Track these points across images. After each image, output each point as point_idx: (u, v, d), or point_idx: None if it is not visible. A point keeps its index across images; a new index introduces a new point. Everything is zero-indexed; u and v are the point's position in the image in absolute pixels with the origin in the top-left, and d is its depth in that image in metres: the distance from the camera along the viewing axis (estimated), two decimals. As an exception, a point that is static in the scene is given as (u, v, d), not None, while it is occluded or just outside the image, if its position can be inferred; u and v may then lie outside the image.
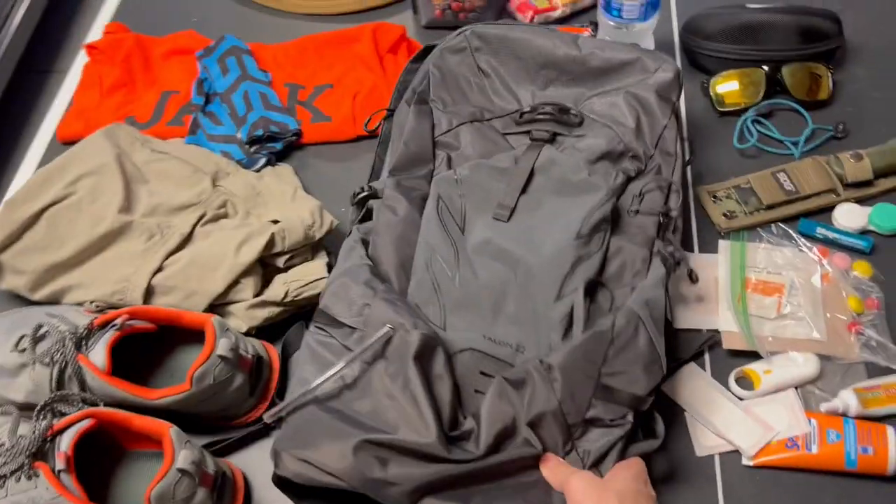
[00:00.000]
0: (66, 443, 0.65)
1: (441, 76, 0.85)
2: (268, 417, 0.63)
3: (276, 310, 0.78)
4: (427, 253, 0.71)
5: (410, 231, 0.73)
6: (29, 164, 0.97)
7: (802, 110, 0.90)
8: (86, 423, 0.66)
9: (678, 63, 0.98)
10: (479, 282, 0.69)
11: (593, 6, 1.03)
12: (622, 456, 0.63)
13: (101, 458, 0.70)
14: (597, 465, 0.61)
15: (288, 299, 0.77)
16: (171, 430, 0.65)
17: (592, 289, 0.68)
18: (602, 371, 0.62)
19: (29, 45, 1.07)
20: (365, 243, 0.73)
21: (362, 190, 0.76)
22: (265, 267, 0.79)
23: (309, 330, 0.69)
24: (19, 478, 0.65)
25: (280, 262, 0.79)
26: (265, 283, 0.79)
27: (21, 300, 0.81)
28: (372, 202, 0.76)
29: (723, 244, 0.82)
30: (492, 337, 0.67)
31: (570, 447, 0.61)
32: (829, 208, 0.83)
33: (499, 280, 0.69)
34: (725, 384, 0.73)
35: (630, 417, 0.62)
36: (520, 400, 0.61)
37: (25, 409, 0.71)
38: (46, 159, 0.94)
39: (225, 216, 0.83)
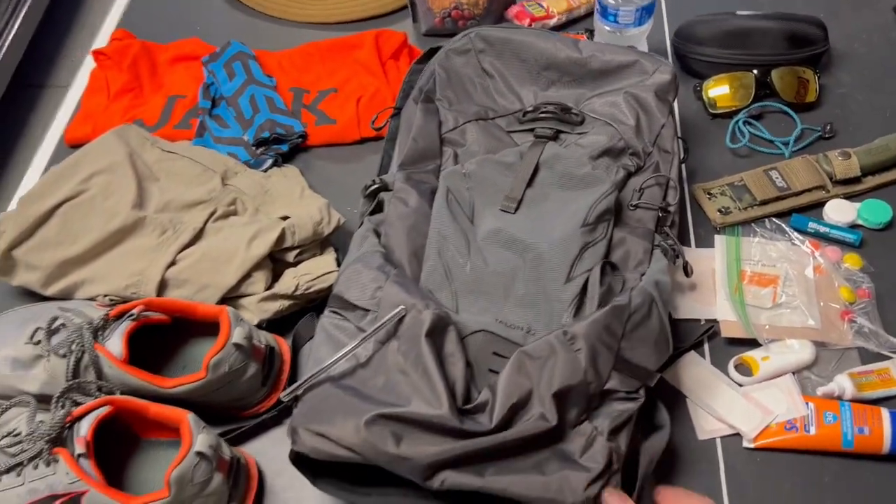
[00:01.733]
0: (85, 428, 0.66)
1: (447, 76, 0.87)
2: (284, 396, 0.65)
3: (286, 303, 0.79)
4: (439, 241, 0.73)
5: (422, 221, 0.75)
6: (36, 169, 0.98)
7: (791, 112, 0.94)
8: (104, 410, 0.67)
9: (671, 68, 1.02)
10: (490, 268, 0.71)
11: (588, 15, 1.07)
12: (632, 440, 0.65)
13: (116, 448, 0.71)
14: (613, 435, 0.62)
15: (299, 292, 0.79)
16: (189, 416, 0.67)
17: (604, 270, 0.70)
18: (622, 345, 0.64)
19: (22, 61, 1.08)
20: (377, 234, 0.75)
21: (373, 182, 0.78)
22: (275, 262, 0.81)
23: (324, 314, 0.70)
24: (37, 465, 0.66)
25: (290, 256, 0.81)
26: (275, 277, 0.81)
27: (32, 296, 0.83)
28: (382, 194, 0.78)
29: (718, 239, 0.85)
30: (503, 320, 0.68)
31: (584, 418, 0.63)
32: (820, 204, 0.87)
33: (509, 266, 0.71)
34: (725, 371, 0.76)
35: (642, 392, 0.64)
36: (539, 372, 0.62)
37: (40, 400, 0.72)
38: (54, 162, 0.96)
39: (235, 213, 0.84)
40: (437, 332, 0.65)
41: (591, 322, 0.64)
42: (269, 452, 0.74)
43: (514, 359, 0.64)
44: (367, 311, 0.68)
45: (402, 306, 0.66)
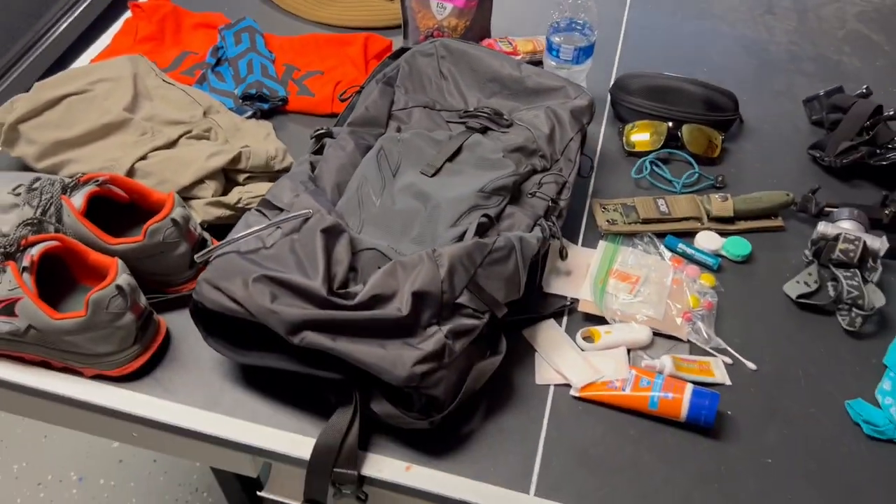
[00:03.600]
0: (35, 251, 0.81)
1: (409, 70, 1.05)
2: (198, 257, 0.79)
3: (227, 212, 0.94)
4: (360, 180, 0.89)
5: (351, 165, 0.91)
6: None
7: (693, 161, 1.10)
8: (53, 243, 0.82)
9: (606, 112, 1.19)
10: (396, 208, 0.86)
11: (549, 59, 1.25)
12: (475, 351, 0.78)
13: (56, 286, 0.86)
14: (452, 337, 0.75)
15: (240, 205, 0.94)
16: (119, 261, 0.81)
17: (484, 226, 0.85)
18: (478, 271, 0.78)
19: None
20: (312, 166, 0.91)
21: (322, 128, 0.94)
22: (227, 181, 0.97)
23: (249, 211, 0.85)
24: (-14, 274, 0.80)
25: (241, 178, 0.97)
26: (224, 192, 0.96)
27: (24, 170, 0.99)
28: (327, 140, 0.94)
29: (601, 243, 0.99)
30: (395, 248, 0.83)
31: (435, 321, 0.76)
32: (693, 234, 1.01)
33: (412, 211, 0.86)
34: (573, 338, 0.89)
35: (487, 317, 0.78)
36: (406, 277, 0.76)
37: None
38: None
39: (207, 139, 1.01)
40: (332, 234, 0.79)
41: (457, 247, 0.79)
42: (179, 323, 0.88)
43: (388, 265, 0.78)
44: (283, 210, 0.83)
45: (311, 210, 0.81)
